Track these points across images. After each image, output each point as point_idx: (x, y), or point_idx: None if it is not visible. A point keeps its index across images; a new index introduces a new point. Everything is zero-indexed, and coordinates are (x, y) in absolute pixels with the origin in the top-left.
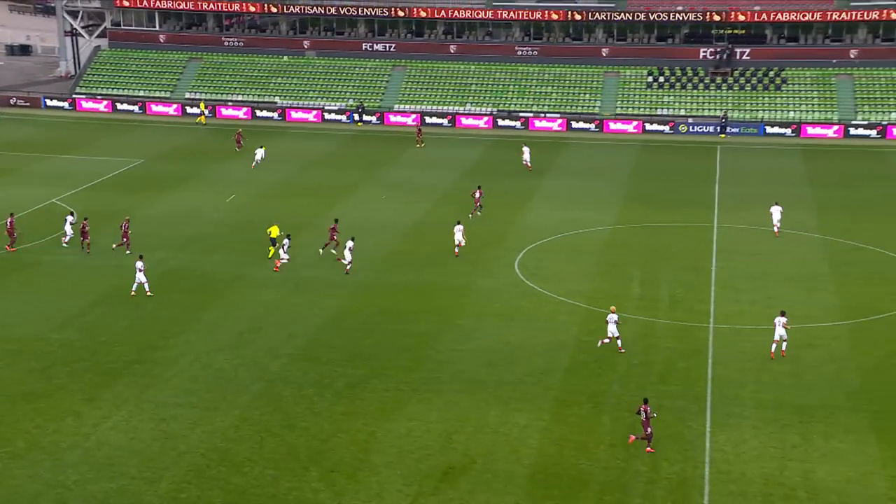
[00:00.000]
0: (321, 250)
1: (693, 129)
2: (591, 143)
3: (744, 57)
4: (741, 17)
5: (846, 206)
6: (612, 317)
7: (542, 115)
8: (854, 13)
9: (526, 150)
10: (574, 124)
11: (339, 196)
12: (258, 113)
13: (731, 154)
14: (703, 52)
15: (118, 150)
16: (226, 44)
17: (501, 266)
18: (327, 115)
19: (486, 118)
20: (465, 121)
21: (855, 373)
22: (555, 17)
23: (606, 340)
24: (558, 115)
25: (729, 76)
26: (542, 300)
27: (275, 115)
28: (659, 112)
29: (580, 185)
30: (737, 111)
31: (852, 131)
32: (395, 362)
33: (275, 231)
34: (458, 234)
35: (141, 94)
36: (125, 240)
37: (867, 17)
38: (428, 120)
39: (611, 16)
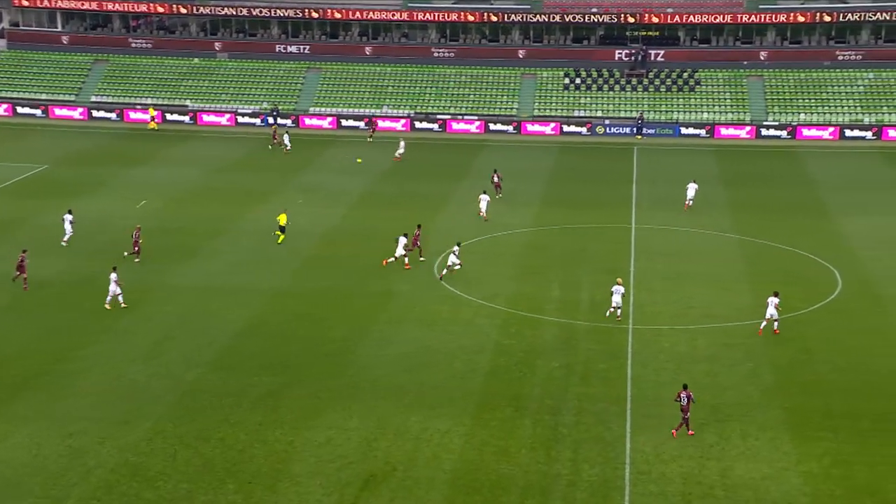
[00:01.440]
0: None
1: (610, 130)
2: (509, 145)
3: (658, 58)
4: (655, 19)
5: (759, 206)
6: (619, 289)
7: (460, 116)
8: (763, 16)
9: (402, 143)
10: (492, 126)
11: (255, 201)
12: (168, 116)
13: (648, 155)
14: (619, 53)
15: (19, 156)
16: (133, 45)
17: (420, 270)
18: (241, 119)
19: (403, 120)
20: (382, 123)
21: (769, 370)
22: (471, 18)
23: (612, 310)
24: (476, 117)
25: (644, 77)
26: (462, 304)
27: (186, 118)
28: (576, 113)
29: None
30: (652, 112)
31: (764, 132)
32: (314, 369)
33: (283, 219)
34: (483, 204)
35: (43, 97)
36: (136, 248)
37: (775, 19)
38: (344, 123)
39: (527, 17)
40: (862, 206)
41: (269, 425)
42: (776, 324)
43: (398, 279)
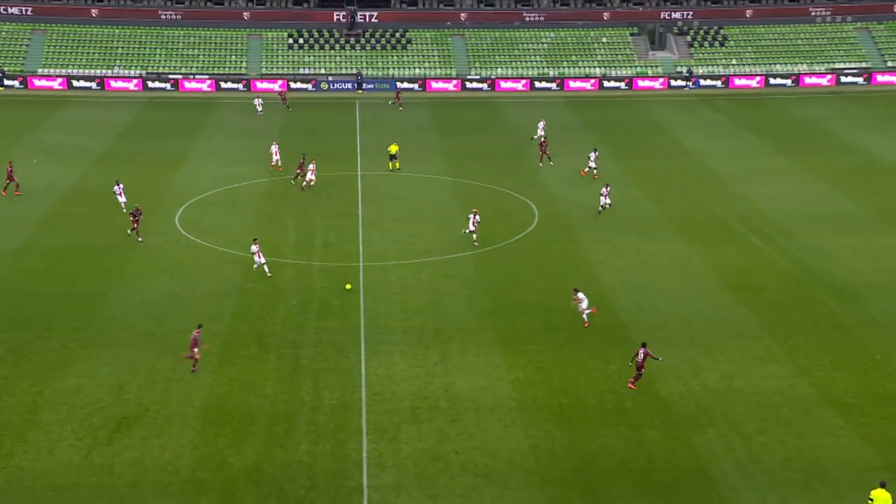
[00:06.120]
0: None
1: (333, 86)
2: (240, 102)
3: (372, 20)
4: None
5: (468, 152)
6: (473, 217)
7: (192, 76)
8: None
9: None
10: (223, 84)
11: None
12: None
13: (369, 108)
14: (337, 15)
15: None
16: None
17: (162, 222)
18: None
19: (135, 80)
20: (114, 83)
21: (483, 296)
22: None
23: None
24: (207, 77)
25: (361, 37)
26: (205, 252)
27: None
28: (301, 71)
29: (233, 142)
30: (370, 69)
31: (468, 85)
32: (61, 322)
33: (394, 148)
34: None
35: None
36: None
37: None
38: (76, 84)
39: None
40: (552, 148)
41: (16, 378)
42: None
43: (141, 233)
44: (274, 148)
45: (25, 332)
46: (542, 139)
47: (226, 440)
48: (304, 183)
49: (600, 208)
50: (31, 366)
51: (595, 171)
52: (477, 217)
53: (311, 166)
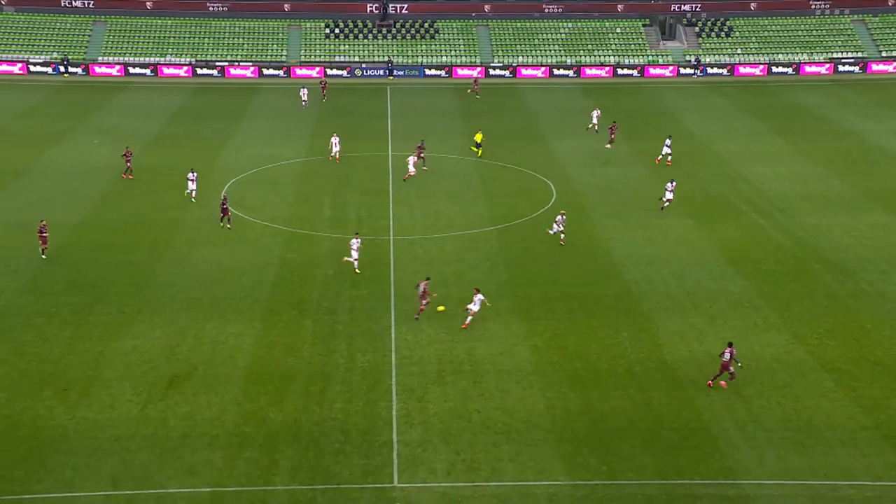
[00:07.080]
0: None
1: (366, 72)
2: (280, 87)
3: (403, 11)
4: None
5: (492, 134)
6: (560, 218)
7: (237, 63)
8: None
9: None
10: (265, 71)
11: (51, 143)
12: None
13: (399, 93)
14: (370, 6)
15: None
16: None
17: (208, 198)
18: (33, 68)
19: (185, 68)
20: (166, 70)
21: (503, 267)
22: None
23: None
24: (251, 64)
25: (392, 27)
26: (248, 226)
27: None
28: (337, 59)
29: (274, 125)
30: (400, 57)
31: (491, 72)
32: (118, 289)
33: (479, 137)
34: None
35: None
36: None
37: None
38: (132, 71)
39: None
40: (569, 131)
41: (80, 339)
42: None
43: (189, 208)
44: (334, 140)
45: (86, 296)
46: (612, 124)
47: (267, 398)
48: (406, 175)
49: (665, 202)
50: (92, 328)
51: (669, 157)
52: (564, 218)
53: (411, 158)
